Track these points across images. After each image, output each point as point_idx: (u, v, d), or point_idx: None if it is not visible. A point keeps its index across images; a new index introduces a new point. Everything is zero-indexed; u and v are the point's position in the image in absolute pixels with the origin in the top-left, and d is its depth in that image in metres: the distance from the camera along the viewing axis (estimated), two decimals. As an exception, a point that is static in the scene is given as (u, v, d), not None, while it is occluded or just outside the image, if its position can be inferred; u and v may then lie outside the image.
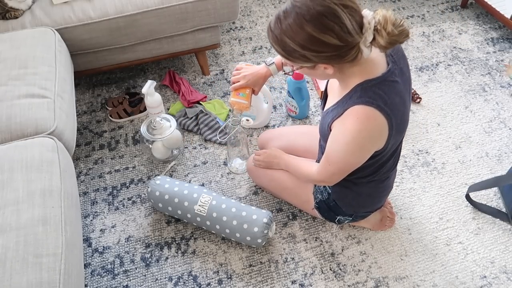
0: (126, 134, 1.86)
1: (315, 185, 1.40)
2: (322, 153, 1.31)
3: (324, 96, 1.28)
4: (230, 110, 1.93)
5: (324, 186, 1.37)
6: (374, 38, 0.94)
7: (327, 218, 1.44)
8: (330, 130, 1.12)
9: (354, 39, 0.93)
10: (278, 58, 1.41)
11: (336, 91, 1.13)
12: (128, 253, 1.48)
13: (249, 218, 1.39)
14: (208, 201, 1.43)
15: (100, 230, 1.55)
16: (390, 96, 1.03)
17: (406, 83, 1.11)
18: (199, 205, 1.43)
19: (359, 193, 1.30)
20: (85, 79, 2.11)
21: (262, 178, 1.54)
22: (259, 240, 1.40)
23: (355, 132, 1.03)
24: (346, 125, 1.05)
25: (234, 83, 1.45)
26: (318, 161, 1.33)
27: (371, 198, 1.34)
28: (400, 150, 1.27)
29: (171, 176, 1.70)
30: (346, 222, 1.44)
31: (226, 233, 1.43)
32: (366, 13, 0.95)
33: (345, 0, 0.93)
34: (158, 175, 1.70)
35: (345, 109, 1.04)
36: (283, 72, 1.12)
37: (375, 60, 1.04)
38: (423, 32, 2.30)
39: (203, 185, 1.67)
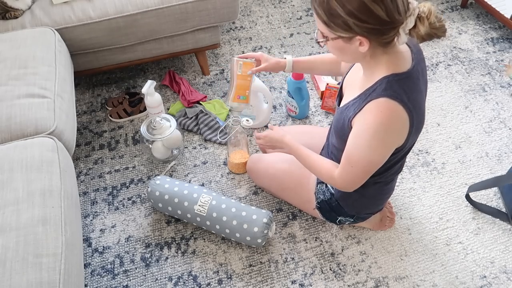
0: (126, 134, 1.86)
1: (317, 185, 1.39)
2: (331, 152, 1.31)
3: (339, 94, 1.26)
4: (230, 110, 1.93)
5: (327, 187, 1.36)
6: (415, 26, 0.94)
7: (328, 218, 1.44)
8: (351, 127, 1.09)
9: (400, 19, 0.93)
10: (295, 59, 1.42)
11: (358, 84, 1.12)
12: (128, 253, 1.48)
13: (249, 218, 1.39)
14: (208, 201, 1.43)
15: (100, 230, 1.55)
16: (414, 93, 1.03)
17: (424, 85, 1.12)
18: (199, 205, 1.43)
19: (363, 194, 1.29)
20: (85, 79, 2.11)
21: (262, 178, 1.54)
22: (259, 240, 1.40)
23: (378, 125, 1.02)
24: (368, 119, 1.03)
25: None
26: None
27: (374, 200, 1.34)
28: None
29: (171, 176, 1.70)
30: (347, 223, 1.44)
31: (226, 233, 1.43)
32: (413, 1, 0.95)
33: None
34: (158, 175, 1.70)
35: (367, 101, 1.03)
36: (316, 40, 1.08)
37: (403, 54, 1.05)
38: (423, 32, 2.30)
39: (203, 185, 1.67)
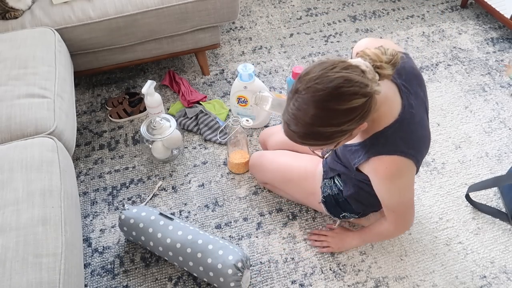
0: (126, 134, 1.86)
1: (323, 179, 1.39)
2: (333, 163, 1.32)
3: None
4: (229, 110, 1.93)
5: (334, 182, 1.36)
6: (379, 74, 0.95)
7: (332, 213, 1.43)
8: (359, 170, 1.17)
9: (372, 86, 0.93)
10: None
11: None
12: (128, 253, 1.48)
13: (218, 265, 1.28)
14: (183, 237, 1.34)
15: (100, 230, 1.55)
16: (411, 134, 1.06)
17: (422, 103, 1.12)
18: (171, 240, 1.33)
19: (371, 194, 1.28)
20: (85, 79, 2.11)
21: (266, 172, 1.54)
22: (232, 284, 1.28)
23: (389, 178, 1.09)
24: (378, 176, 1.10)
25: None
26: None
27: None
28: None
29: (171, 176, 1.70)
30: (351, 219, 1.44)
31: (199, 271, 1.32)
32: (357, 60, 0.95)
33: (341, 64, 0.93)
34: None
35: (369, 156, 1.08)
36: (324, 157, 1.16)
37: (390, 101, 1.05)
38: (423, 32, 2.30)
39: (202, 185, 1.67)
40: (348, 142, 1.16)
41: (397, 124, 1.05)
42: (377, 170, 1.09)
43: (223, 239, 1.38)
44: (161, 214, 1.40)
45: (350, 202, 1.35)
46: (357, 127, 0.97)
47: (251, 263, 1.45)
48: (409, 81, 1.09)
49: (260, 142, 1.68)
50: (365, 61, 0.94)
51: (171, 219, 1.39)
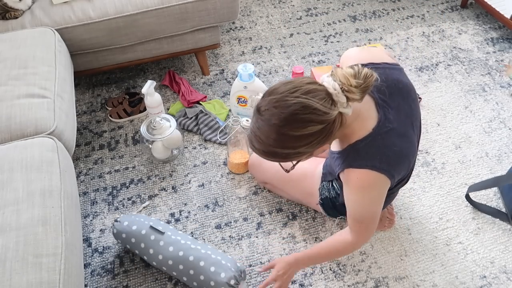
0: (126, 134, 1.86)
1: (322, 182, 1.39)
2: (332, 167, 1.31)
3: None
4: (229, 110, 1.93)
5: (332, 185, 1.36)
6: (347, 98, 0.93)
7: (330, 214, 1.44)
8: (339, 178, 1.14)
9: (332, 113, 0.93)
10: None
11: (336, 141, 1.14)
12: (128, 253, 1.48)
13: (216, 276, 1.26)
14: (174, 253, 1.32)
15: (100, 230, 1.55)
16: (385, 149, 1.03)
17: (407, 117, 1.10)
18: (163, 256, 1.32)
19: None
20: (85, 79, 2.11)
21: (266, 171, 1.54)
22: None
23: (360, 189, 1.07)
24: (350, 187, 1.09)
25: None
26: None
27: None
28: (412, 170, 1.26)
29: (171, 176, 1.70)
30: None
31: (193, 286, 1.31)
32: (326, 81, 0.94)
33: (305, 87, 0.93)
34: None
35: (344, 167, 1.07)
36: (286, 170, 1.14)
37: (363, 115, 1.03)
38: (423, 32, 2.30)
39: (203, 185, 1.67)
40: (332, 149, 1.15)
41: (370, 138, 1.03)
42: (348, 181, 1.08)
43: (217, 251, 1.34)
44: (151, 227, 1.36)
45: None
46: (316, 149, 0.98)
47: (251, 263, 1.45)
48: (390, 95, 1.06)
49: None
50: (334, 82, 0.93)
51: (161, 233, 1.34)
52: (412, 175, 1.66)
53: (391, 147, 1.04)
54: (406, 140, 1.08)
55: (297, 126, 0.92)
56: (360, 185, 1.06)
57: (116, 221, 1.41)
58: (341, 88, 0.92)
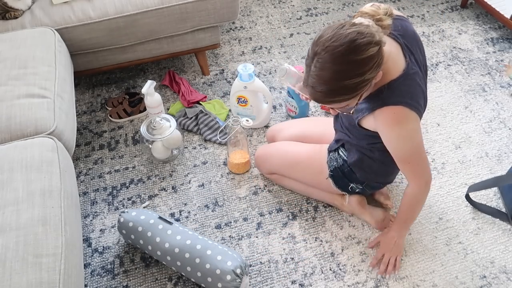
0: (126, 134, 1.86)
1: (329, 154, 1.44)
2: (337, 134, 1.41)
3: None
4: (229, 110, 1.93)
5: (339, 154, 1.41)
6: (380, 27, 1.06)
7: (341, 187, 1.45)
8: (360, 126, 1.23)
9: (380, 35, 1.03)
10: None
11: None
12: (128, 253, 1.48)
13: (215, 274, 1.27)
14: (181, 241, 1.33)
15: (100, 230, 1.55)
16: (414, 89, 1.12)
17: (421, 65, 1.20)
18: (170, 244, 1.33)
19: (374, 159, 1.34)
20: (85, 79, 2.11)
21: (274, 160, 1.56)
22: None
23: (400, 125, 1.13)
24: (388, 125, 1.14)
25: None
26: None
27: (384, 166, 1.36)
28: None
29: (171, 176, 1.70)
30: (357, 190, 1.44)
31: (197, 276, 1.31)
32: (358, 19, 1.08)
33: (348, 22, 1.03)
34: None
35: (374, 108, 1.13)
36: (344, 113, 1.22)
37: (394, 57, 1.11)
38: (423, 32, 2.30)
39: (202, 185, 1.67)
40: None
41: (402, 78, 1.10)
42: (385, 119, 1.14)
43: (222, 244, 1.38)
44: (160, 218, 1.40)
45: (354, 170, 1.38)
46: (375, 75, 1.05)
47: (251, 263, 1.45)
48: (410, 43, 1.16)
49: (268, 138, 1.70)
50: (365, 19, 1.06)
51: (170, 223, 1.38)
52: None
53: (418, 87, 1.13)
54: (423, 83, 1.18)
55: (360, 50, 0.99)
56: (397, 120, 1.12)
57: (123, 212, 1.43)
58: (373, 20, 1.06)
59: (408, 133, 1.15)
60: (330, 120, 1.57)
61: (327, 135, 1.50)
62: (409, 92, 1.11)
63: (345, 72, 1.01)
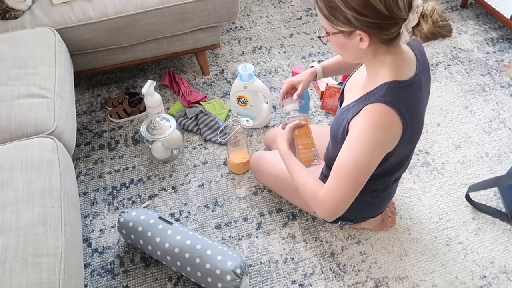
0: (126, 134, 1.86)
1: None
2: (328, 157, 1.29)
3: (341, 96, 1.25)
4: (229, 110, 1.93)
5: None
6: (418, 24, 0.92)
7: (328, 221, 1.43)
8: (348, 130, 1.08)
9: (401, 15, 0.92)
10: (322, 62, 1.41)
11: (360, 87, 1.10)
12: (128, 253, 1.48)
13: (215, 274, 1.27)
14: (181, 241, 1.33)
15: (100, 230, 1.55)
16: (413, 103, 1.02)
17: (427, 95, 1.12)
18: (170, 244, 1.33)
19: (360, 201, 1.24)
20: (85, 79, 2.11)
21: (266, 178, 1.54)
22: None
23: (372, 126, 1.00)
24: (363, 121, 1.02)
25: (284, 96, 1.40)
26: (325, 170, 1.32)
27: (372, 206, 1.34)
28: (409, 162, 1.25)
29: (171, 176, 1.70)
30: (347, 226, 1.44)
31: (197, 276, 1.31)
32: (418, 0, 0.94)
33: None
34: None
35: (365, 104, 1.02)
36: (318, 36, 1.08)
37: (407, 59, 1.03)
38: (423, 32, 2.30)
39: (203, 185, 1.67)
40: (346, 103, 1.12)
41: (407, 84, 1.01)
42: (365, 116, 1.01)
43: (222, 244, 1.38)
44: (160, 218, 1.40)
45: None
46: (359, 31, 0.95)
47: (251, 263, 1.45)
48: (424, 66, 1.08)
49: (265, 143, 1.68)
50: (422, 6, 0.92)
51: (170, 223, 1.38)
52: (412, 175, 1.66)
53: (417, 105, 1.03)
54: (424, 110, 1.10)
55: None
56: (378, 122, 0.99)
57: (123, 212, 1.42)
58: (422, 12, 0.92)
59: (372, 143, 1.01)
60: (323, 130, 1.52)
61: (324, 148, 1.39)
62: (406, 100, 1.00)
63: None
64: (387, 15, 0.91)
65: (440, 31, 0.92)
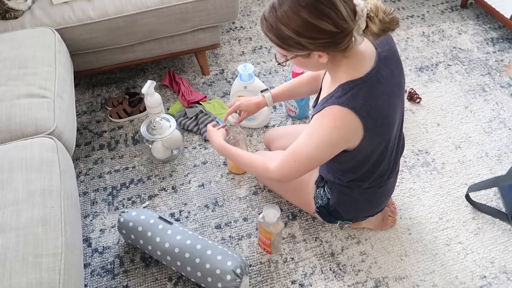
0: (126, 134, 1.86)
1: (316, 190, 1.39)
2: (321, 169, 1.33)
3: (319, 93, 1.28)
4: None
5: (324, 191, 1.36)
6: (367, 26, 0.95)
7: (329, 221, 1.44)
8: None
9: (349, 26, 0.95)
10: (275, 89, 1.46)
11: (327, 87, 1.14)
12: (128, 253, 1.48)
13: (216, 274, 1.27)
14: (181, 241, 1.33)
15: (100, 230, 1.55)
16: (370, 98, 1.03)
17: (397, 83, 1.11)
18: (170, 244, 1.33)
19: (357, 199, 1.30)
20: (85, 79, 2.11)
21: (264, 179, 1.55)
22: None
23: (330, 128, 1.05)
24: (322, 122, 1.07)
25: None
26: None
27: (369, 204, 1.34)
28: (397, 157, 1.26)
29: (171, 176, 1.70)
30: (346, 225, 1.44)
31: (197, 276, 1.31)
32: (359, 1, 0.97)
33: None
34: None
35: (324, 106, 1.06)
36: (277, 62, 1.12)
37: (363, 57, 1.05)
38: (423, 32, 2.30)
39: (202, 185, 1.67)
40: (322, 96, 1.15)
41: (360, 82, 1.03)
42: (323, 118, 1.06)
43: (222, 244, 1.38)
44: (160, 218, 1.40)
45: (339, 210, 1.34)
46: (316, 52, 0.99)
47: (251, 263, 1.45)
48: (390, 57, 1.09)
49: (265, 143, 1.69)
50: (365, 6, 0.95)
51: (170, 223, 1.38)
52: (412, 175, 1.66)
53: (375, 99, 1.04)
54: (390, 101, 1.09)
55: (314, 14, 0.93)
56: (333, 124, 1.04)
57: (123, 212, 1.42)
58: (367, 15, 0.94)
59: (326, 142, 1.07)
60: None
61: None
62: (361, 98, 1.02)
63: (288, 18, 0.95)
64: (338, 32, 0.95)
65: (389, 27, 0.95)
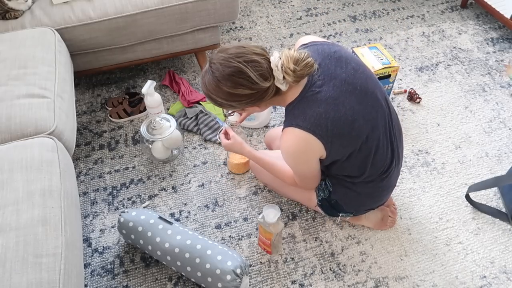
0: (126, 134, 1.86)
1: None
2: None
3: None
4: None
5: (326, 184, 1.37)
6: (284, 77, 1.09)
7: (330, 214, 1.45)
8: None
9: (263, 85, 1.09)
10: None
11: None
12: (128, 253, 1.48)
13: (216, 275, 1.27)
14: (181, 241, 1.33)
15: (100, 230, 1.55)
16: (308, 110, 1.12)
17: (348, 84, 1.14)
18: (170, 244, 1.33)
19: (358, 193, 1.32)
20: (85, 79, 2.11)
21: (265, 176, 1.55)
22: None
23: (287, 149, 1.18)
24: (283, 146, 1.19)
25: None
26: None
27: (371, 197, 1.35)
28: (393, 149, 1.27)
29: (171, 176, 1.70)
30: (347, 218, 1.44)
31: (197, 276, 1.31)
32: (274, 56, 1.09)
33: (250, 56, 1.09)
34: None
35: (283, 128, 1.20)
36: (225, 114, 1.30)
37: (296, 84, 1.14)
38: (423, 32, 2.30)
39: (202, 185, 1.67)
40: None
41: (296, 102, 1.15)
42: (283, 140, 1.19)
43: (222, 244, 1.38)
44: (160, 218, 1.40)
45: (340, 203, 1.36)
46: (246, 106, 1.16)
47: (251, 263, 1.45)
48: (325, 65, 1.15)
49: (266, 143, 1.69)
50: (280, 60, 1.08)
51: (170, 223, 1.38)
52: (412, 175, 1.66)
53: (315, 108, 1.12)
54: (336, 103, 1.13)
55: (230, 85, 1.10)
56: (287, 145, 1.16)
57: (123, 212, 1.42)
58: (282, 67, 1.08)
59: (294, 159, 1.20)
60: None
61: None
62: (300, 114, 1.13)
63: (215, 90, 1.13)
64: (255, 92, 1.10)
65: (302, 73, 1.08)
